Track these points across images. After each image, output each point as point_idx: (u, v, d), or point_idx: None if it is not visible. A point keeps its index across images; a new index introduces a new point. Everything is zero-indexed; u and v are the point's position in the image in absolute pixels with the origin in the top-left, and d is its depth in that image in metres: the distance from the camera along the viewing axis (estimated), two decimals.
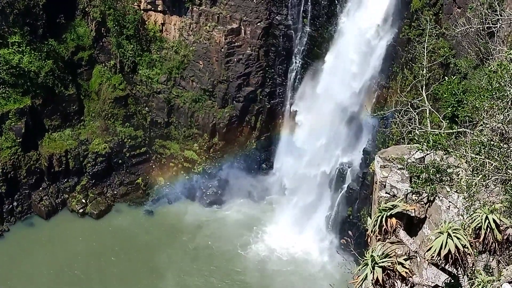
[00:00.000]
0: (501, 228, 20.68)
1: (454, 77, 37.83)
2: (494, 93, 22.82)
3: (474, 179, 22.64)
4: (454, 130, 25.58)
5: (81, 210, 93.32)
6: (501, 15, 40.73)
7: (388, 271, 20.30)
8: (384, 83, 78.31)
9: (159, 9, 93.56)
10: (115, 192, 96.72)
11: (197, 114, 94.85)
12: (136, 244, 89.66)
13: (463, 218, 22.60)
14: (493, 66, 24.35)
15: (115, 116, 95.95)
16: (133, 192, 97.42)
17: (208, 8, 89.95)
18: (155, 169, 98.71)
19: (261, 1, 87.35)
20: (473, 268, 20.68)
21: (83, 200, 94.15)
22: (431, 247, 20.35)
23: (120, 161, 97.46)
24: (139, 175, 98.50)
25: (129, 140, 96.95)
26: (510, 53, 25.43)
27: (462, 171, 23.75)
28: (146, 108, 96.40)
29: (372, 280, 20.09)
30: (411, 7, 72.53)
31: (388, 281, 20.17)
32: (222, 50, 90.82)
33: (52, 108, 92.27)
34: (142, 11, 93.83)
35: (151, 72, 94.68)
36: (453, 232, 20.18)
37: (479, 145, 22.53)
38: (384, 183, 27.49)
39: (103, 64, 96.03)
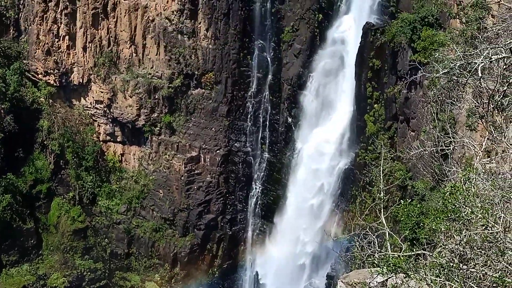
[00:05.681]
0: None
1: (410, 199, 38.22)
2: (449, 215, 22.98)
3: None
4: (413, 253, 25.54)
5: None
6: (453, 138, 41.64)
7: None
8: (344, 206, 78.84)
9: (118, 140, 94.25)
10: None
11: (158, 244, 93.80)
12: None
13: None
14: (448, 188, 24.64)
15: (74, 249, 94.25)
16: None
17: (167, 137, 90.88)
18: None
19: (219, 129, 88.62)
20: None
21: None
22: None
23: None
24: None
25: (89, 273, 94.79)
26: (464, 175, 25.81)
27: None
28: (106, 239, 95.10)
29: None
30: (366, 132, 74.16)
31: None
32: (182, 178, 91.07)
33: (10, 243, 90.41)
34: (101, 142, 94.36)
35: (111, 203, 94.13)
36: None
37: (439, 267, 22.45)
38: None
39: (62, 196, 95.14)
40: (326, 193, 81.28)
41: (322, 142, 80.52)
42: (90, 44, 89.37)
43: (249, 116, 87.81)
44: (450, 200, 23.36)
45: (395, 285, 24.73)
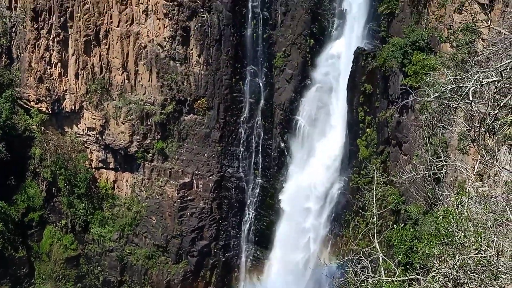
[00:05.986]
0: None
1: (403, 224, 38.16)
2: (442, 239, 22.89)
3: None
4: (407, 278, 25.40)
5: None
6: (446, 161, 41.66)
7: None
8: (338, 231, 78.57)
9: (110, 166, 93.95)
10: None
11: (151, 271, 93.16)
12: None
13: None
14: (440, 212, 24.58)
15: (67, 277, 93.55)
16: None
17: (160, 163, 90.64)
18: None
19: (212, 155, 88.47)
20: None
21: None
22: None
23: None
24: None
25: None
26: (457, 198, 25.75)
27: None
28: (99, 267, 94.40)
29: None
30: (359, 156, 74.13)
31: None
32: (175, 204, 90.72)
33: (2, 271, 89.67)
34: (93, 170, 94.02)
35: (103, 230, 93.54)
36: None
37: None
38: None
39: (54, 224, 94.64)
40: (313, 252, 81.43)
41: (315, 166, 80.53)
42: (82, 71, 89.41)
43: (241, 141, 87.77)
44: (443, 224, 23.31)
45: None
